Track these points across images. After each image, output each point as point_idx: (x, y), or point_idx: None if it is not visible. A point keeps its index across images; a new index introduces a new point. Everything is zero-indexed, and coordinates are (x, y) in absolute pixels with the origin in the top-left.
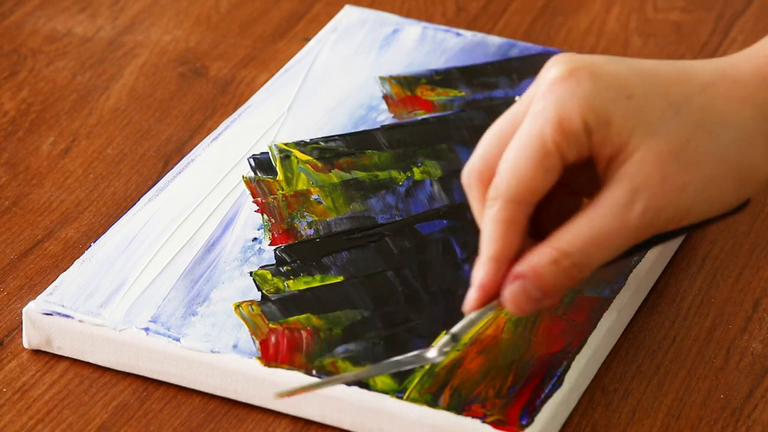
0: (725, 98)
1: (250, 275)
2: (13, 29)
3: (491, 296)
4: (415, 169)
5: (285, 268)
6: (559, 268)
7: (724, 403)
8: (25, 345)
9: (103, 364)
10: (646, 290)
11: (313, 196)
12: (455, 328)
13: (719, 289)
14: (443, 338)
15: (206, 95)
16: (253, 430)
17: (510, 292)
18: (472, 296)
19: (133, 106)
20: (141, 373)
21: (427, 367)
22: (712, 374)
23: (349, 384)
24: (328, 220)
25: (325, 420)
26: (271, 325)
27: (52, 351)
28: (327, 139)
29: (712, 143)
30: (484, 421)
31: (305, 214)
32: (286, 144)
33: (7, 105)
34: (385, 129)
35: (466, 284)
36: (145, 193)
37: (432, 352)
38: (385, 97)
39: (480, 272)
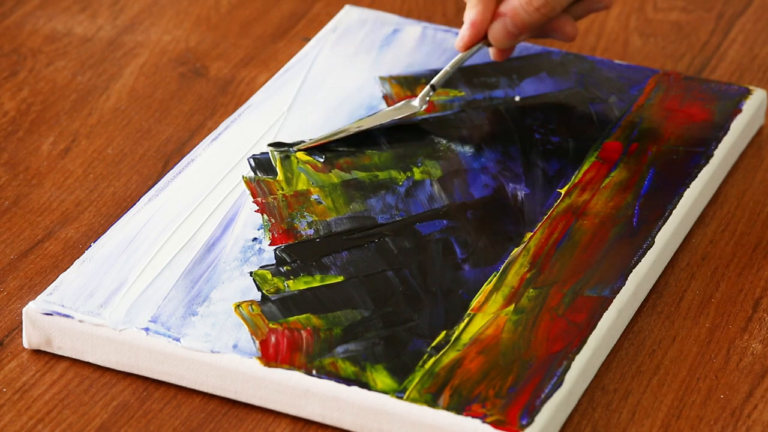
0: None
1: (250, 275)
2: (13, 29)
3: (480, 35)
4: (415, 169)
5: (285, 268)
6: (532, 7)
7: (724, 403)
8: (25, 345)
9: (103, 364)
10: (646, 290)
11: (313, 196)
12: (434, 80)
13: (719, 289)
14: (425, 90)
15: (206, 95)
16: (253, 430)
17: (494, 27)
18: (464, 33)
19: (133, 106)
20: (141, 373)
21: (427, 366)
22: (712, 374)
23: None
24: (328, 220)
25: (325, 420)
26: (271, 325)
27: (52, 351)
28: None
29: None
30: (484, 421)
31: (305, 214)
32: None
33: (7, 105)
34: (385, 129)
35: (466, 284)
36: (145, 193)
37: (416, 102)
38: (385, 97)
39: (472, 12)
